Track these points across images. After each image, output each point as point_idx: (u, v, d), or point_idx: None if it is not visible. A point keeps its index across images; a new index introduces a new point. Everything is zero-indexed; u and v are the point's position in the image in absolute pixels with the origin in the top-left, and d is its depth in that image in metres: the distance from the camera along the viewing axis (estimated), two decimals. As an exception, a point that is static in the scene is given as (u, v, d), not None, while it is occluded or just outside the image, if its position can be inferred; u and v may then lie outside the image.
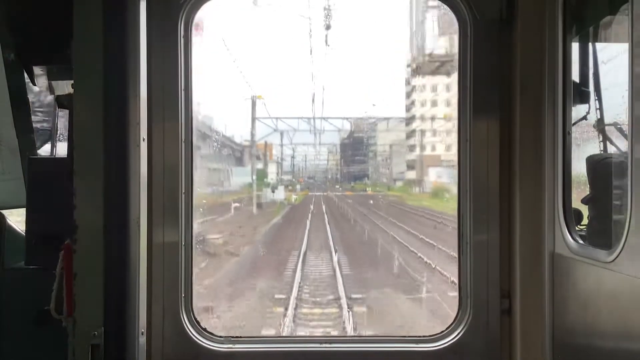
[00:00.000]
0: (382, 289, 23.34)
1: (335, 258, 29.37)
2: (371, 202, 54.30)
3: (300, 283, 24.10)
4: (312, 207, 54.66)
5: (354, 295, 21.70)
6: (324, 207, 54.90)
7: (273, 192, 54.19)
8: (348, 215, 48.92)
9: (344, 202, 56.20)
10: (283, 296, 21.70)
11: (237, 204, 45.02)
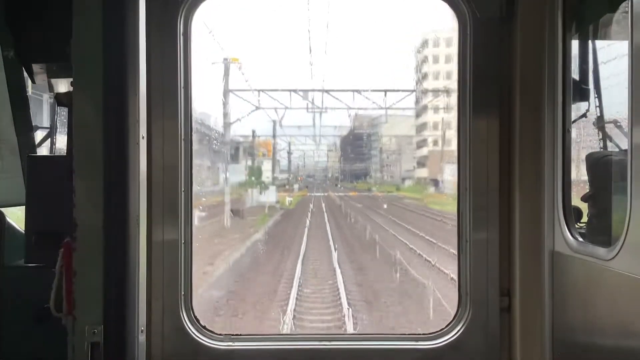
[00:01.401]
0: None
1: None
2: (385, 206, 43.14)
3: None
4: (309, 215, 40.74)
5: None
6: (325, 214, 41.84)
7: (261, 193, 42.35)
8: (363, 230, 33.63)
9: (352, 208, 44.06)
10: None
11: (203, 213, 29.40)
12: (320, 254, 27.44)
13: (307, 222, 37.17)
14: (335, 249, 27.76)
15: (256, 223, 34.98)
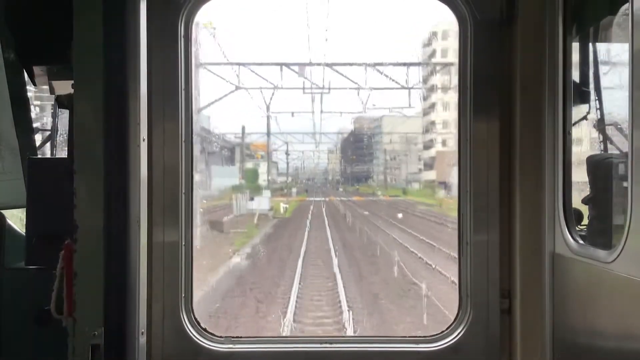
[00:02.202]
0: None
1: None
2: (400, 215, 37.78)
3: None
4: (308, 227, 34.23)
5: None
6: (327, 225, 35.20)
7: (252, 199, 36.04)
8: (385, 258, 25.58)
9: (360, 218, 37.65)
10: None
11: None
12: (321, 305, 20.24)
13: (305, 236, 31.17)
14: (348, 309, 20.36)
15: (237, 239, 28.71)
